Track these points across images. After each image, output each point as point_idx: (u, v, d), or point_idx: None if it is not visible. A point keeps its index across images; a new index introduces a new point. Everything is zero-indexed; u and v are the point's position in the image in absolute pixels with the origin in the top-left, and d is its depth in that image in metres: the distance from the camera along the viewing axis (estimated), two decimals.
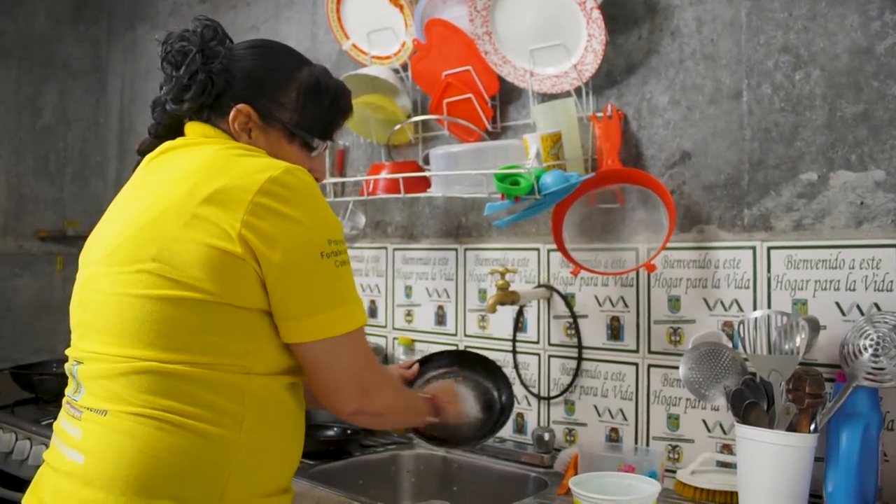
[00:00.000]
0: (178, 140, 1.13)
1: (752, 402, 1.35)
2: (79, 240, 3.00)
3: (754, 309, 1.49)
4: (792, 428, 1.30)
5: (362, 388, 1.09)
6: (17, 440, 1.96)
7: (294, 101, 1.15)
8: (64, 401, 1.08)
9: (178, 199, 1.01)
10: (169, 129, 1.17)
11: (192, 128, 1.14)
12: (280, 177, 1.00)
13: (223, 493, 0.96)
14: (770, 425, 1.32)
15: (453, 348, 1.95)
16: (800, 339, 1.31)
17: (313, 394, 1.10)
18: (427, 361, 1.49)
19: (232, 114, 1.11)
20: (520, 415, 1.86)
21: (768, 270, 1.49)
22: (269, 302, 1.01)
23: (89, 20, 3.16)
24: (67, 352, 1.10)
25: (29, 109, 2.98)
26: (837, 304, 1.41)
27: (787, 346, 1.32)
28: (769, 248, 1.49)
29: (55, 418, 1.09)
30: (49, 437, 1.09)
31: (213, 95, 1.11)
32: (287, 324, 1.02)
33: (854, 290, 1.39)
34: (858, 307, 1.38)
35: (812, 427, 1.29)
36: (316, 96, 1.16)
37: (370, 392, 1.10)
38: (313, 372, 1.06)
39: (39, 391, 2.26)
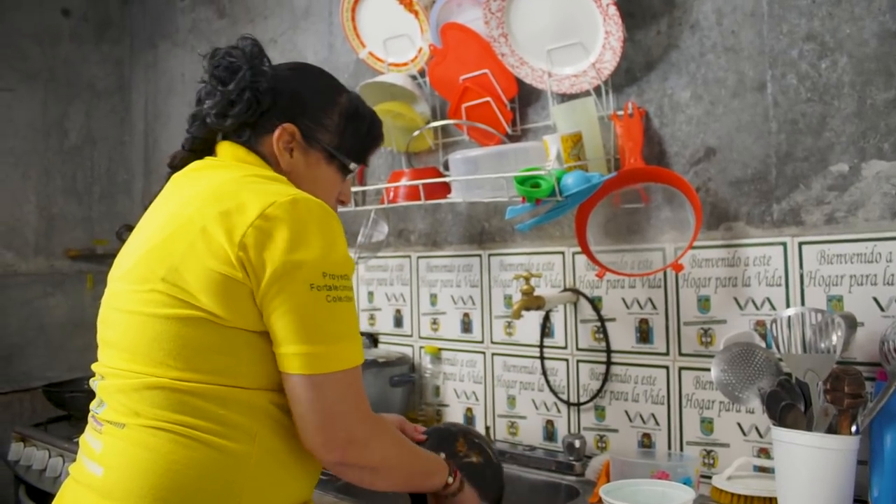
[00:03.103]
0: (207, 160, 1.13)
1: (788, 404, 1.30)
2: (108, 258, 3.02)
3: (787, 307, 1.44)
4: (832, 430, 1.25)
5: (348, 437, 0.98)
6: (49, 457, 1.99)
7: (336, 123, 1.16)
8: (89, 415, 1.09)
9: (187, 219, 1.00)
10: (204, 143, 1.16)
11: (224, 149, 1.13)
12: (284, 203, 0.97)
13: None
14: (808, 427, 1.27)
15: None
16: (836, 337, 1.26)
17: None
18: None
19: (277, 132, 1.10)
20: (550, 422, 1.82)
21: (800, 266, 1.44)
22: None
23: (112, 40, 3.21)
24: (93, 366, 1.11)
25: (56, 130, 3.03)
26: (875, 299, 1.35)
27: (822, 345, 1.27)
28: (801, 244, 1.44)
29: None
30: None
31: (258, 113, 1.11)
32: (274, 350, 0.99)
33: (892, 283, 1.33)
34: None
35: (853, 429, 1.24)
36: (356, 121, 1.18)
37: (358, 443, 0.99)
38: (294, 408, 0.98)
39: (71, 408, 2.28)
